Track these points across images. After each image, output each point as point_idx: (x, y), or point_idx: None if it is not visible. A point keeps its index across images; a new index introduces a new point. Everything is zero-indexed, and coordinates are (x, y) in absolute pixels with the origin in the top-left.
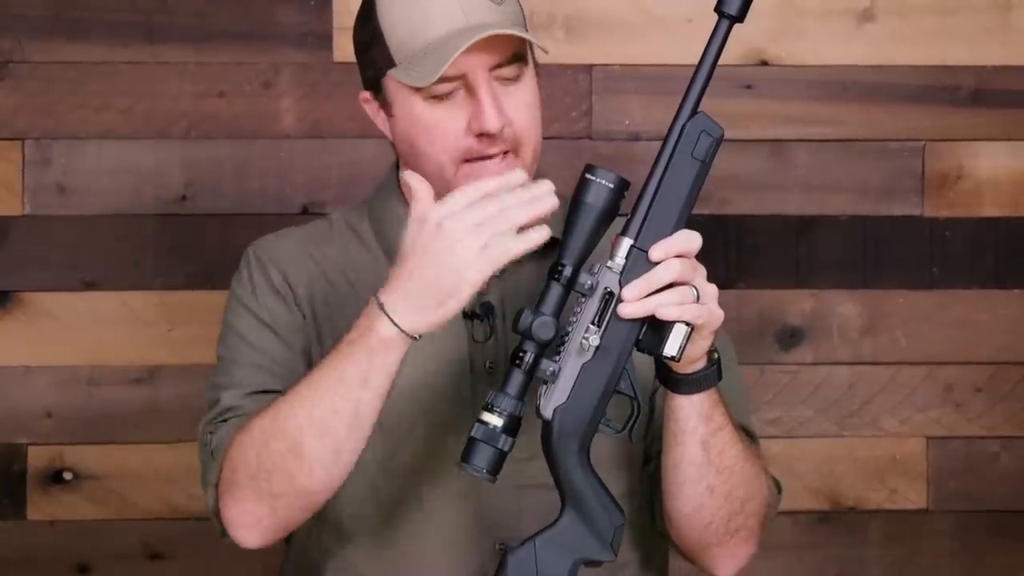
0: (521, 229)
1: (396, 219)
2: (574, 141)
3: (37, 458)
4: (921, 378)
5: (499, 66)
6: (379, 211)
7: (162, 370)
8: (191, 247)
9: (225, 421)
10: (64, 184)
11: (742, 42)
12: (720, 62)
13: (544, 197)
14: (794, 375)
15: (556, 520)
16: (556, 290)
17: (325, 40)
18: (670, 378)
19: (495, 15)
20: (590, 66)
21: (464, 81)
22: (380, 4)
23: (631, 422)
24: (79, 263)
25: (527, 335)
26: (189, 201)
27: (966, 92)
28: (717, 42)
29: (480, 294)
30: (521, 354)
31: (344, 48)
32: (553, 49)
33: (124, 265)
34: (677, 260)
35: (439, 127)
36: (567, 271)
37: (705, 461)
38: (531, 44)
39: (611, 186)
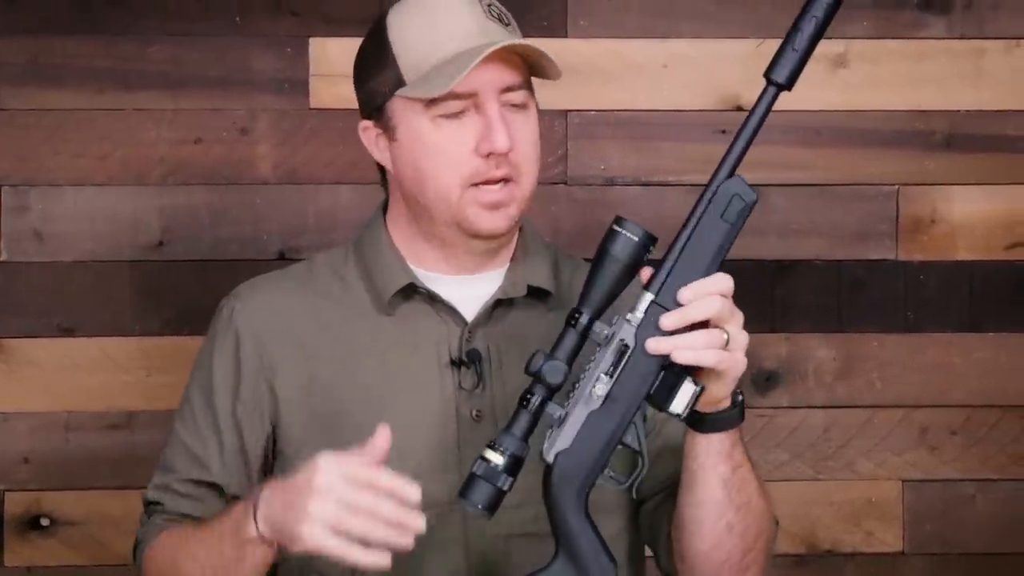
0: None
1: (385, 266)
2: (550, 186)
3: (14, 504)
4: (896, 421)
5: (509, 89)
6: (367, 256)
7: (139, 416)
8: (168, 293)
9: (155, 512)
10: (41, 230)
11: (717, 87)
12: (695, 107)
13: (406, 534)
14: (770, 419)
15: (549, 564)
16: (571, 337)
17: (302, 86)
18: (694, 417)
19: (507, 37)
20: (566, 111)
21: (474, 101)
22: (392, 25)
23: (635, 477)
24: (56, 309)
25: (537, 377)
26: (166, 247)
27: (940, 136)
28: (762, 108)
29: (467, 340)
30: (529, 396)
31: (320, 94)
32: None
33: (101, 311)
34: (718, 298)
35: (447, 147)
36: (584, 319)
37: (725, 499)
38: (532, 91)
39: (636, 240)
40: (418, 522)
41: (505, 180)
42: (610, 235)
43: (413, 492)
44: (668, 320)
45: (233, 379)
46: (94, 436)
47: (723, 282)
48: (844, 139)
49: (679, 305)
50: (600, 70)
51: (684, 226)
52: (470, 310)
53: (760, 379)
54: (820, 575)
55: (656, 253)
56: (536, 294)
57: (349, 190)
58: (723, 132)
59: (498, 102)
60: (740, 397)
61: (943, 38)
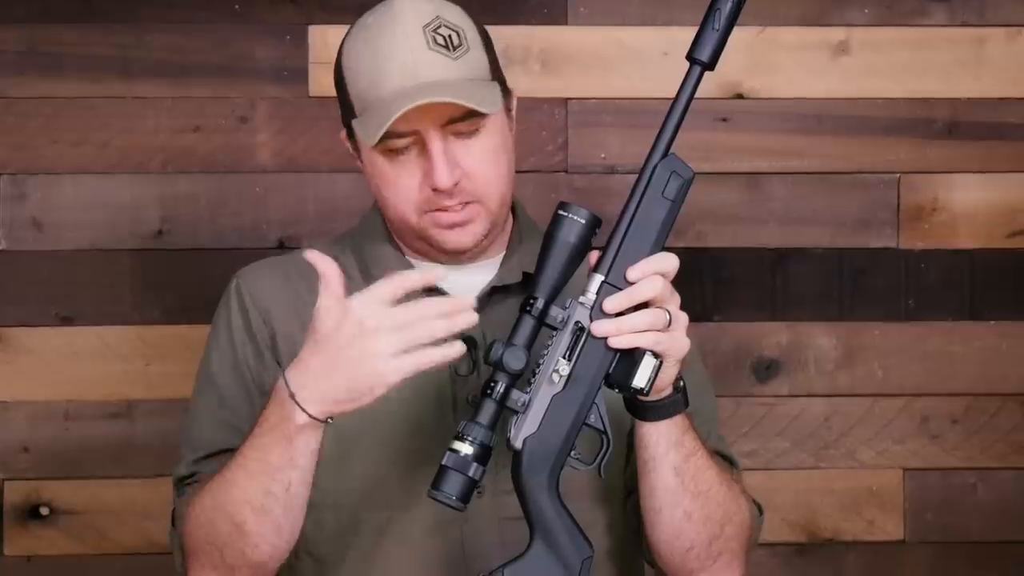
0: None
1: (381, 255)
2: (550, 174)
3: (14, 493)
4: (897, 410)
5: (452, 122)
6: (364, 246)
7: (139, 405)
8: (168, 282)
9: (189, 485)
10: (40, 219)
11: (718, 75)
12: (696, 95)
13: (463, 313)
14: (771, 407)
15: (525, 550)
16: (528, 323)
17: (301, 74)
18: (637, 407)
19: (451, 71)
20: (566, 99)
21: (416, 138)
22: (345, 54)
23: (601, 456)
24: (55, 298)
25: (498, 365)
26: (166, 236)
27: (941, 124)
28: (689, 88)
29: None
30: (492, 384)
31: (320, 82)
32: (529, 83)
33: (101, 300)
34: (659, 278)
35: (397, 180)
36: (539, 304)
37: (679, 487)
38: (504, 84)
39: (583, 222)
40: (467, 299)
41: (466, 202)
42: (557, 220)
43: (438, 273)
44: (611, 303)
45: (252, 346)
46: (94, 425)
47: (669, 260)
48: (845, 127)
49: (629, 284)
50: (600, 58)
51: (626, 207)
52: None
53: (761, 367)
54: (821, 564)
55: (601, 236)
56: (526, 280)
57: (348, 178)
58: (724, 120)
59: (440, 137)
60: (682, 383)
61: (945, 25)
